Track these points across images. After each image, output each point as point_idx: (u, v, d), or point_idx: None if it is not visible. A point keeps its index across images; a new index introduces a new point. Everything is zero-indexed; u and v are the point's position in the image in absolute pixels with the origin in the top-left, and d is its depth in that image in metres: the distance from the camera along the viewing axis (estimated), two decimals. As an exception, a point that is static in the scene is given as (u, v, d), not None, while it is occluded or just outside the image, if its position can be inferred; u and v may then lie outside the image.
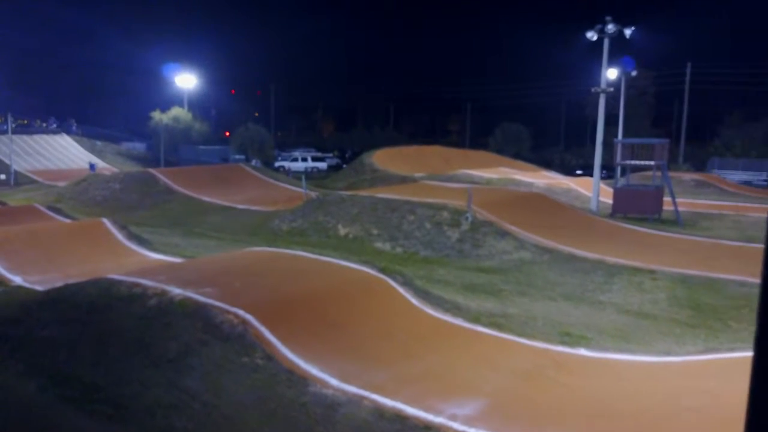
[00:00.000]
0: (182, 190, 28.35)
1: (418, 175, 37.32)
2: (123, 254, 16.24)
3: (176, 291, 10.10)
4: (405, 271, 13.26)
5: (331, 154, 55.67)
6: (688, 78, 50.50)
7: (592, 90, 26.16)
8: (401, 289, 11.66)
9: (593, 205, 25.27)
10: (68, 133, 48.83)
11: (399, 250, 18.23)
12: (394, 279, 11.98)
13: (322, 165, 50.75)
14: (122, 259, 15.80)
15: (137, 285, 10.54)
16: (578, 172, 50.18)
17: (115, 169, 41.91)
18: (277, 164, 48.86)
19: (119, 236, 17.32)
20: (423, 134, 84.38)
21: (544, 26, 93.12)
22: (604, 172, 49.26)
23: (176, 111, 50.12)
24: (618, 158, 23.86)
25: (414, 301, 11.38)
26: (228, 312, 9.24)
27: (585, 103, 61.05)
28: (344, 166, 54.16)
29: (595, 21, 23.93)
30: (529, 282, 15.33)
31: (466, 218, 18.47)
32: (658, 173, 24.78)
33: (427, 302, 11.51)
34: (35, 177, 38.67)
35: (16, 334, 10.24)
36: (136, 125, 59.54)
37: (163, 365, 8.47)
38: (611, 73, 46.55)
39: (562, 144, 67.98)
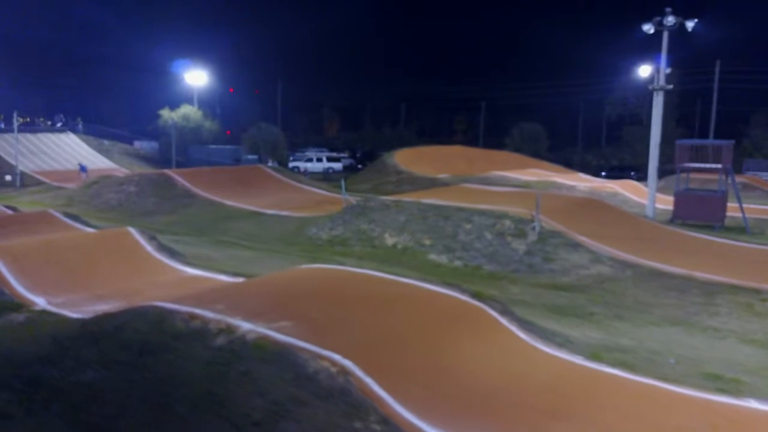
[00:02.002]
0: (202, 193, 26.47)
1: (442, 176, 35.51)
2: (155, 269, 14.36)
3: (245, 326, 8.25)
4: (485, 292, 11.41)
5: (345, 154, 53.76)
6: (717, 77, 48.72)
7: (649, 87, 24.32)
8: (503, 320, 9.84)
9: (649, 211, 23.48)
10: (74, 131, 46.83)
11: (458, 263, 16.40)
12: (492, 306, 10.15)
13: (338, 165, 48.87)
14: (156, 276, 13.93)
15: (195, 317, 8.69)
16: (602, 173, 48.44)
17: (124, 170, 40.01)
18: (290, 165, 46.95)
19: (148, 248, 15.44)
20: (429, 133, 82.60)
21: (557, 23, 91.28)
22: (632, 174, 47.72)
23: (186, 109, 48.14)
24: (678, 161, 22.02)
25: (522, 335, 9.56)
26: (321, 357, 7.40)
27: (606, 103, 59.54)
28: (359, 166, 52.34)
29: (627, 15, 22.23)
30: (618, 302, 13.54)
31: (533, 228, 16.65)
32: (714, 177, 22.98)
33: (535, 335, 9.69)
34: (41, 178, 36.72)
35: (51, 378, 8.37)
36: (143, 124, 57.60)
37: (249, 430, 6.63)
38: (644, 71, 45.00)
39: (579, 144, 66.07)
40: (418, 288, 10.52)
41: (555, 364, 8.80)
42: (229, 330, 8.24)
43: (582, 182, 30.88)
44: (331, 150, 57.97)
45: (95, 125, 49.10)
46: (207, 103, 56.33)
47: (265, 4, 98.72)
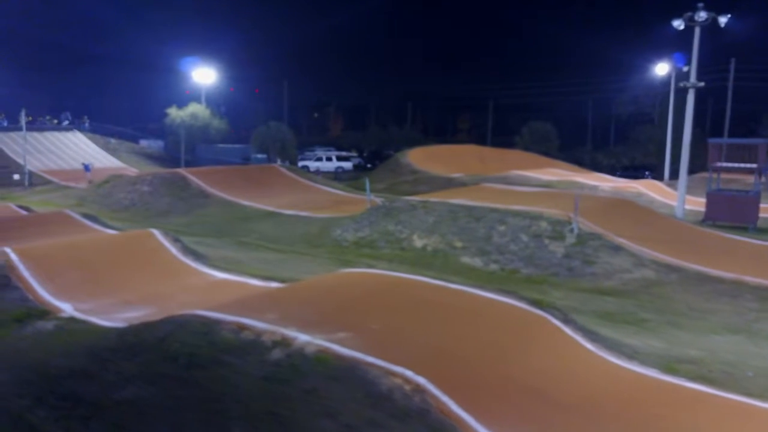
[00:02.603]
0: (217, 193, 25.82)
1: (457, 175, 34.90)
2: (183, 273, 13.73)
3: (302, 338, 7.62)
4: (544, 299, 10.78)
5: (355, 154, 53.11)
6: (732, 75, 48.06)
7: (681, 84, 23.72)
8: (567, 329, 9.21)
9: (678, 212, 22.85)
10: (80, 130, 46.13)
11: (494, 266, 15.77)
12: (553, 315, 9.53)
13: (348, 165, 48.24)
14: (183, 280, 13.30)
15: (243, 327, 8.06)
16: (617, 173, 47.82)
17: (133, 169, 39.36)
18: (299, 164, 46.28)
19: (173, 250, 14.81)
20: (433, 133, 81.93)
21: (564, 21, 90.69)
22: (647, 173, 47.11)
23: (194, 107, 47.40)
24: (710, 160, 21.39)
25: (589, 345, 8.94)
26: (392, 373, 6.77)
27: (617, 102, 58.87)
28: (368, 165, 51.68)
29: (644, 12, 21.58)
30: (670, 308, 12.92)
31: (572, 230, 16.02)
32: (749, 177, 22.36)
33: (602, 346, 9.07)
34: (49, 177, 36.04)
35: (89, 394, 7.74)
36: (146, 122, 56.93)
37: (321, 457, 6.01)
38: (661, 69, 44.39)
39: (589, 143, 65.38)
40: (473, 295, 9.89)
41: (631, 378, 8.18)
42: (285, 342, 7.61)
43: (603, 182, 30.24)
44: (338, 149, 57.30)
45: (101, 123, 48.41)
46: (212, 101, 55.64)
47: (270, 3, 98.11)
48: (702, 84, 23.77)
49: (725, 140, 22.90)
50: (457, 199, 19.60)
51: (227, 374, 7.37)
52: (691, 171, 46.89)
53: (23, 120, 36.27)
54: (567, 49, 75.19)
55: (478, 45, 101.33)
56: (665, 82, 50.74)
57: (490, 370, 7.50)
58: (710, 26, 22.97)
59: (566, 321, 9.48)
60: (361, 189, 32.47)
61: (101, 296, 11.97)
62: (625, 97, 57.06)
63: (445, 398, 6.53)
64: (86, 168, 35.78)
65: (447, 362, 7.39)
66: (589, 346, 8.90)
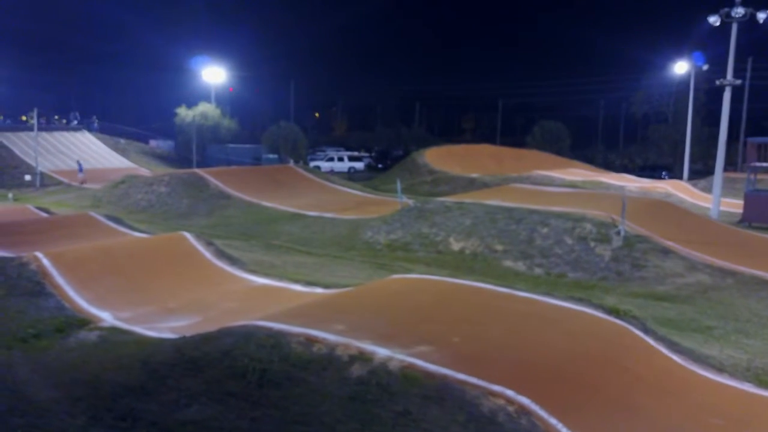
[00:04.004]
0: (238, 194, 25.22)
1: (475, 175, 34.34)
2: (220, 278, 13.15)
3: (381, 352, 7.06)
4: (619, 307, 10.18)
5: (367, 154, 52.51)
6: (748, 74, 47.45)
7: (717, 82, 23.11)
8: (650, 340, 8.64)
9: (713, 213, 22.29)
10: (89, 130, 45.49)
11: (539, 270, 15.19)
12: (633, 324, 8.96)
13: (360, 165, 47.65)
14: (222, 286, 12.73)
15: (314, 339, 7.49)
16: (636, 173, 47.16)
17: (144, 170, 38.75)
18: (311, 164, 45.67)
19: (207, 254, 14.22)
20: (438, 132, 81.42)
21: (573, 19, 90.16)
22: (664, 174, 46.52)
23: (204, 107, 46.78)
24: (748, 159, 20.82)
25: (675, 357, 8.37)
26: (492, 393, 6.20)
27: (631, 101, 58.21)
28: (379, 165, 51.07)
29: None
30: (732, 315, 12.33)
31: (618, 232, 15.44)
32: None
33: (687, 357, 8.50)
34: (60, 177, 35.44)
35: (150, 413, 7.16)
36: (153, 122, 56.26)
37: (428, 489, 5.43)
38: (680, 68, 43.81)
39: (600, 143, 64.79)
40: (545, 303, 9.32)
41: (729, 393, 7.62)
42: (363, 357, 7.04)
43: (628, 182, 29.65)
44: (346, 149, 56.68)
45: (110, 123, 47.79)
46: (221, 101, 55.01)
47: (276, 4, 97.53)
48: (739, 82, 23.17)
49: (765, 139, 22.23)
50: (491, 200, 19.03)
51: (304, 393, 6.80)
52: (707, 172, 46.25)
53: (35, 120, 35.62)
54: (576, 48, 74.65)
55: (482, 45, 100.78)
56: (679, 81, 50.18)
57: (584, 387, 6.94)
58: (724, 25, 22.46)
59: (646, 331, 8.91)
60: (379, 189, 31.97)
61: (140, 304, 11.40)
62: (638, 96, 56.38)
63: (553, 421, 5.97)
64: (79, 168, 35.04)
65: (543, 378, 6.82)
66: (675, 358, 8.33)
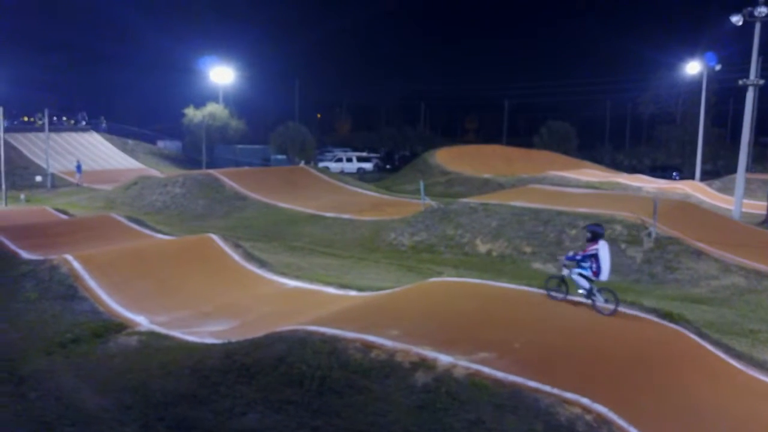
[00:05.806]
0: (254, 196, 25.02)
1: (487, 176, 34.16)
2: (251, 281, 12.96)
3: (443, 358, 6.87)
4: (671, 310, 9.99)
5: (375, 154, 52.23)
6: (759, 74, 47.15)
7: (740, 83, 22.94)
8: (707, 345, 8.46)
9: (735, 214, 22.11)
10: (97, 130, 45.28)
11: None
12: (688, 329, 8.77)
13: (368, 165, 47.43)
14: (254, 289, 12.54)
15: (371, 345, 7.30)
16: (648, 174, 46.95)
17: (153, 170, 38.54)
18: (319, 165, 45.45)
19: (235, 257, 14.04)
20: (441, 133, 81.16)
21: (579, 19, 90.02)
22: (675, 174, 46.31)
23: (212, 107, 46.55)
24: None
25: (735, 363, 8.18)
26: (567, 401, 6.01)
27: (639, 101, 58.04)
28: (387, 166, 50.82)
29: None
30: (774, 318, 12.15)
31: (649, 234, 15.25)
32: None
33: (746, 363, 8.32)
34: (71, 179, 35.22)
35: (204, 421, 6.98)
36: (158, 123, 56.07)
37: (512, 502, 5.24)
38: (692, 68, 43.61)
39: (607, 143, 64.56)
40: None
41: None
42: (426, 364, 6.85)
43: (644, 183, 29.46)
44: (354, 149, 56.43)
45: (117, 124, 47.57)
46: (228, 101, 54.79)
47: (280, 4, 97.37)
48: (762, 82, 22.98)
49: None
50: (514, 201, 18.83)
51: (368, 401, 6.61)
52: (717, 173, 45.98)
53: (45, 121, 35.40)
54: (582, 48, 74.44)
55: (487, 45, 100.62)
56: (688, 82, 50.00)
57: (653, 393, 6.74)
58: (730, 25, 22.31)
59: (701, 335, 8.73)
60: (392, 190, 31.77)
61: (174, 307, 11.20)
62: (649, 96, 56.22)
63: (633, 430, 5.77)
64: (78, 169, 34.79)
65: (613, 385, 6.63)
66: (735, 363, 8.15)
